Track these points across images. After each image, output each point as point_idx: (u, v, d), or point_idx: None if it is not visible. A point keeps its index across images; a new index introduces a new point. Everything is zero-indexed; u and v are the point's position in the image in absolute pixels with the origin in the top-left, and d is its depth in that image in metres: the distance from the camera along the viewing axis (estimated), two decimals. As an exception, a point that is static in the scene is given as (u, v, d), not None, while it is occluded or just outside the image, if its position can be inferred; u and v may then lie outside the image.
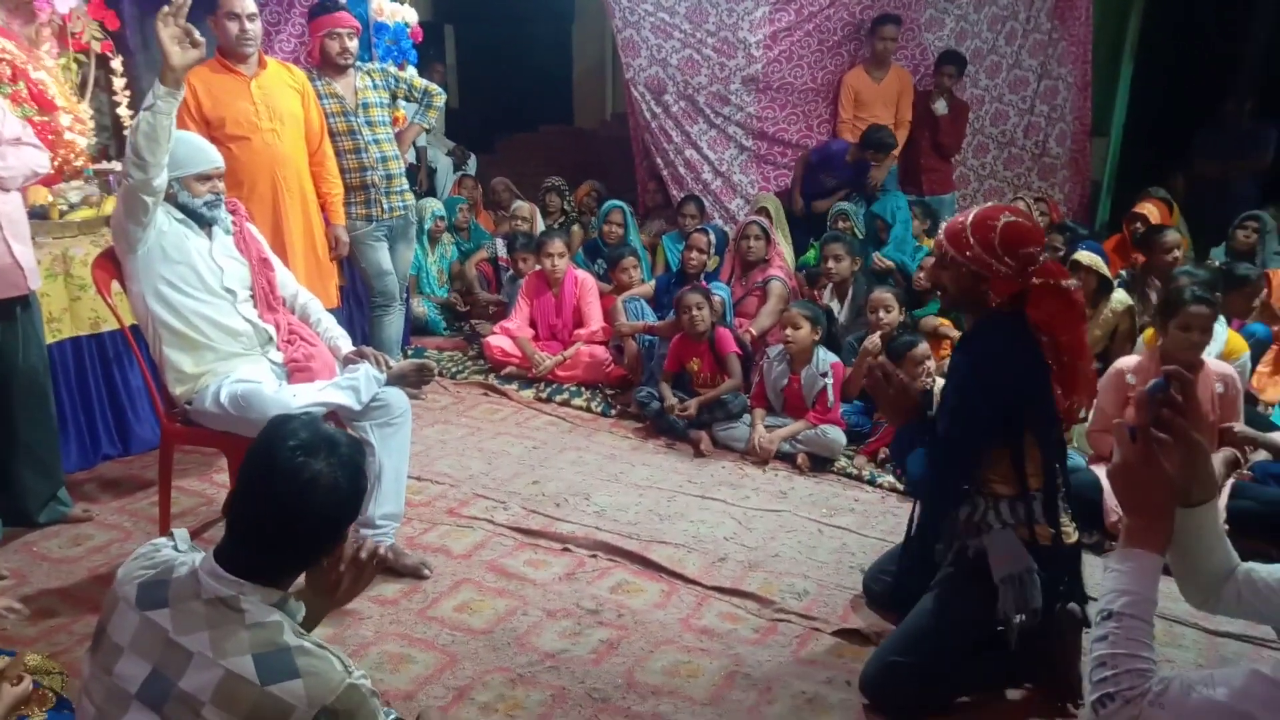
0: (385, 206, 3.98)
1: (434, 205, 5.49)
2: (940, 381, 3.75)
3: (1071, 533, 2.13)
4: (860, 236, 5.01)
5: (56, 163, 3.76)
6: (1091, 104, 6.23)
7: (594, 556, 2.85)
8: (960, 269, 2.01)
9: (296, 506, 1.32)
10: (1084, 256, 4.04)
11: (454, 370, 4.59)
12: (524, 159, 7.99)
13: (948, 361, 3.80)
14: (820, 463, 3.62)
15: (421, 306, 5.07)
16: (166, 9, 2.25)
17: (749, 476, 3.55)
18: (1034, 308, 2.00)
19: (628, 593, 2.65)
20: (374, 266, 4.03)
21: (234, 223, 2.69)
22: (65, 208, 3.43)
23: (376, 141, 3.92)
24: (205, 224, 2.57)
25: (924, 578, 2.21)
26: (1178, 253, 4.34)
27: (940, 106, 5.51)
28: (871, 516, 3.22)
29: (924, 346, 3.56)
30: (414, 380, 2.77)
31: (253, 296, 2.65)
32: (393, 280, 4.09)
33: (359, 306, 4.30)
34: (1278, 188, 5.81)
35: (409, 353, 4.64)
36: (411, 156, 5.42)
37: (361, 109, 3.86)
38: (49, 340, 3.02)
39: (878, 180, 5.56)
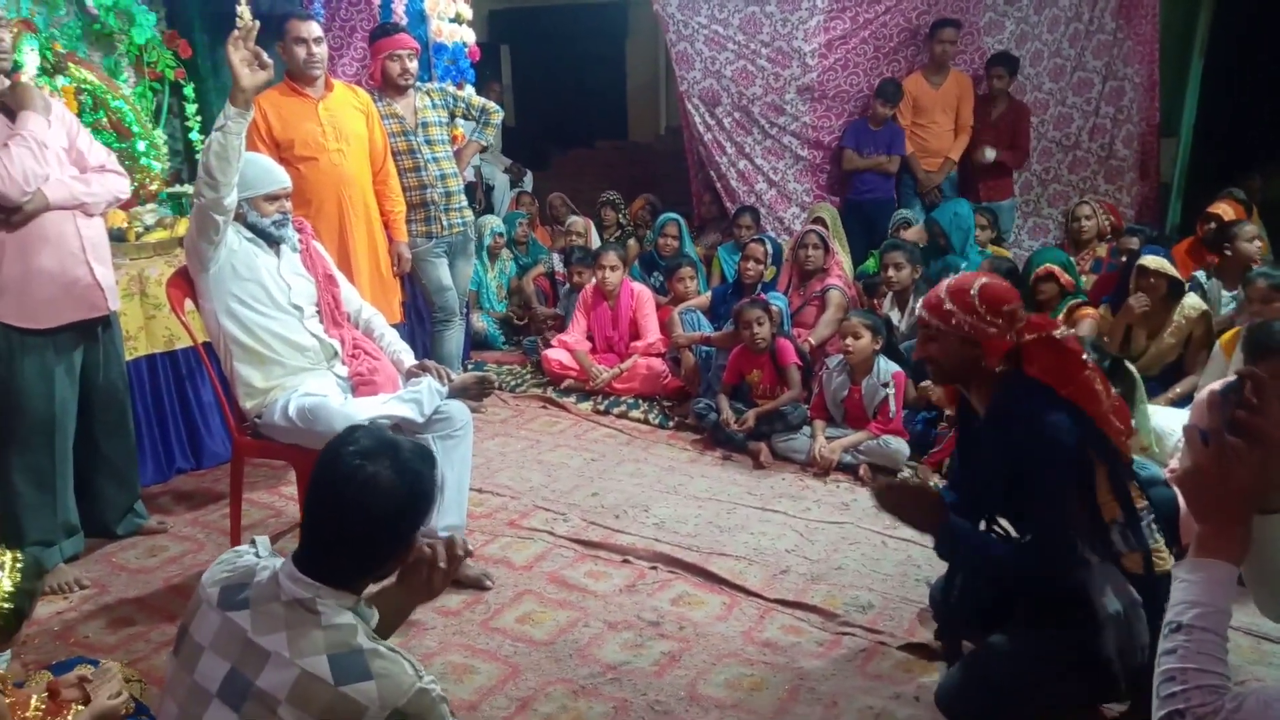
0: (445, 223, 4.05)
1: (493, 222, 5.57)
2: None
3: (1166, 558, 1.99)
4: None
5: (133, 187, 3.93)
6: (1160, 104, 6.04)
7: (654, 568, 2.83)
8: (949, 339, 1.96)
9: (356, 508, 1.34)
10: (1150, 261, 3.90)
11: (513, 383, 4.64)
12: (579, 174, 8.06)
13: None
14: (883, 473, 3.55)
15: (481, 321, 5.14)
16: (236, 33, 2.32)
17: (810, 488, 3.50)
18: (1030, 364, 1.93)
19: (689, 605, 2.63)
20: (434, 282, 4.10)
21: (300, 240, 2.76)
22: (141, 230, 3.56)
23: (436, 160, 3.99)
24: (273, 242, 2.64)
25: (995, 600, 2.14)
26: (1259, 243, 4.16)
27: (988, 155, 5.42)
28: (937, 529, 3.15)
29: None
30: (475, 393, 2.81)
31: (319, 312, 2.72)
32: (453, 296, 4.15)
33: (420, 322, 4.37)
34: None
35: (469, 366, 4.70)
36: (470, 174, 5.52)
37: (421, 128, 3.94)
38: (126, 358, 3.13)
39: (933, 183, 5.50)
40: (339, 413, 2.44)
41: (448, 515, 2.63)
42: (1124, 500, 1.95)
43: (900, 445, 3.56)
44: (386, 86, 3.89)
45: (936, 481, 3.47)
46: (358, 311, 2.86)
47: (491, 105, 4.23)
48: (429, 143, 3.96)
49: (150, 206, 3.89)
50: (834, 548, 2.99)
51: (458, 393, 2.74)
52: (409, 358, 2.84)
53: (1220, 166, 6.17)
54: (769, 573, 2.81)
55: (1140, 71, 5.92)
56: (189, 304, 2.67)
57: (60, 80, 3.86)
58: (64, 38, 3.97)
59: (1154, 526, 2.00)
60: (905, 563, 2.90)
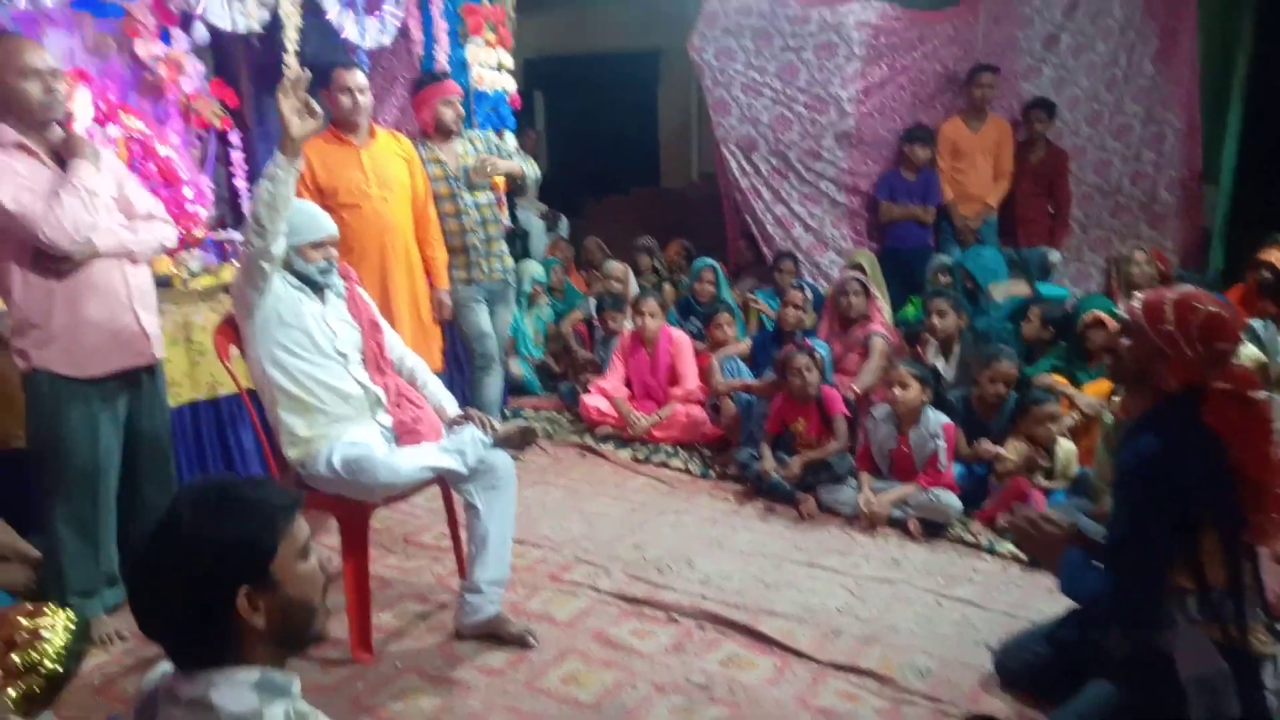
0: (486, 269, 4.03)
1: (534, 269, 5.57)
2: (1065, 444, 3.57)
3: (1266, 642, 1.90)
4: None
5: (180, 234, 3.96)
6: (1201, 149, 5.97)
7: (701, 627, 2.74)
8: (1146, 342, 1.90)
9: (151, 579, 1.18)
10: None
11: (551, 430, 4.58)
12: (614, 220, 8.08)
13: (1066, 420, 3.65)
14: (933, 529, 3.45)
15: (518, 367, 5.11)
16: (287, 82, 2.33)
17: (858, 543, 3.40)
18: (1212, 413, 1.85)
19: (739, 667, 2.53)
20: (474, 328, 4.08)
21: (346, 287, 2.75)
22: (186, 276, 3.57)
23: (477, 205, 3.99)
24: (319, 289, 2.63)
25: (1079, 662, 2.04)
26: None
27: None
28: (994, 588, 3.03)
29: (1054, 406, 3.39)
30: (518, 442, 2.76)
31: (363, 359, 2.69)
32: (492, 342, 4.13)
33: (459, 368, 4.35)
34: None
35: (507, 414, 4.66)
36: (508, 220, 5.53)
37: (463, 174, 3.95)
38: (170, 404, 3.12)
39: (971, 229, 5.45)
40: (383, 464, 2.40)
41: (490, 569, 2.58)
42: (1232, 570, 1.86)
43: (951, 499, 3.45)
44: (436, 132, 3.91)
45: (990, 539, 3.36)
46: (401, 358, 2.84)
47: (531, 165, 4.21)
48: (471, 188, 3.97)
49: (195, 253, 3.92)
50: (886, 607, 2.88)
51: (501, 442, 2.69)
52: (452, 407, 2.80)
53: (1262, 211, 6.06)
54: (820, 633, 2.71)
55: (1180, 117, 5.86)
56: (234, 351, 2.65)
57: (111, 129, 3.93)
58: (115, 87, 4.04)
59: (1257, 610, 1.90)
60: (962, 623, 2.79)
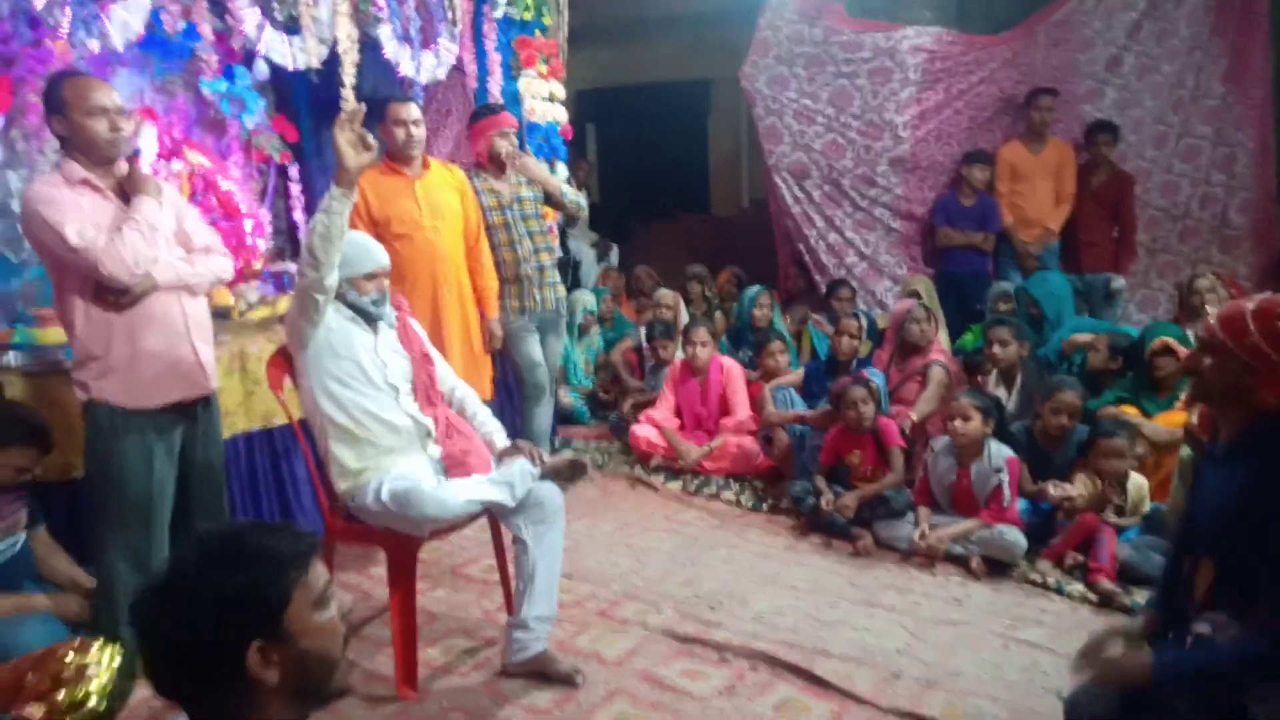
0: (538, 299, 4.03)
1: (587, 299, 5.57)
2: (1137, 478, 3.41)
3: None
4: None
5: (239, 266, 4.04)
6: (1275, 170, 5.74)
7: (754, 668, 2.65)
8: (1230, 358, 1.77)
9: (154, 620, 1.13)
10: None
11: (600, 461, 4.54)
12: (663, 248, 8.09)
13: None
14: (997, 567, 3.31)
15: (568, 397, 5.09)
16: (344, 115, 2.35)
17: (917, 580, 3.27)
18: None
19: (794, 712, 2.44)
20: (526, 358, 4.06)
21: (397, 318, 2.75)
22: (244, 307, 3.63)
23: (530, 235, 3.99)
24: (371, 320, 2.63)
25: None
26: None
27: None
28: (1064, 630, 2.88)
29: (1125, 439, 3.24)
30: (567, 475, 2.71)
31: (414, 390, 2.68)
32: (544, 372, 4.11)
33: (510, 398, 4.34)
34: None
35: (557, 444, 4.63)
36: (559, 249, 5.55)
37: (516, 203, 3.96)
38: (226, 435, 3.15)
39: (1032, 254, 5.31)
40: (431, 497, 2.37)
41: (538, 605, 2.53)
42: None
43: (1016, 536, 3.31)
44: (490, 164, 3.93)
45: (1059, 579, 3.21)
46: (451, 390, 2.82)
47: (580, 200, 4.21)
48: (524, 218, 3.97)
49: (253, 284, 3.99)
50: (949, 649, 2.76)
51: (550, 475, 2.66)
52: (501, 438, 2.78)
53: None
54: (879, 676, 2.60)
55: (1253, 136, 5.65)
56: (287, 382, 2.67)
57: (176, 164, 4.04)
58: (180, 123, 4.17)
59: None
60: (1030, 669, 2.65)
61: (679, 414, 4.54)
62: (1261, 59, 5.51)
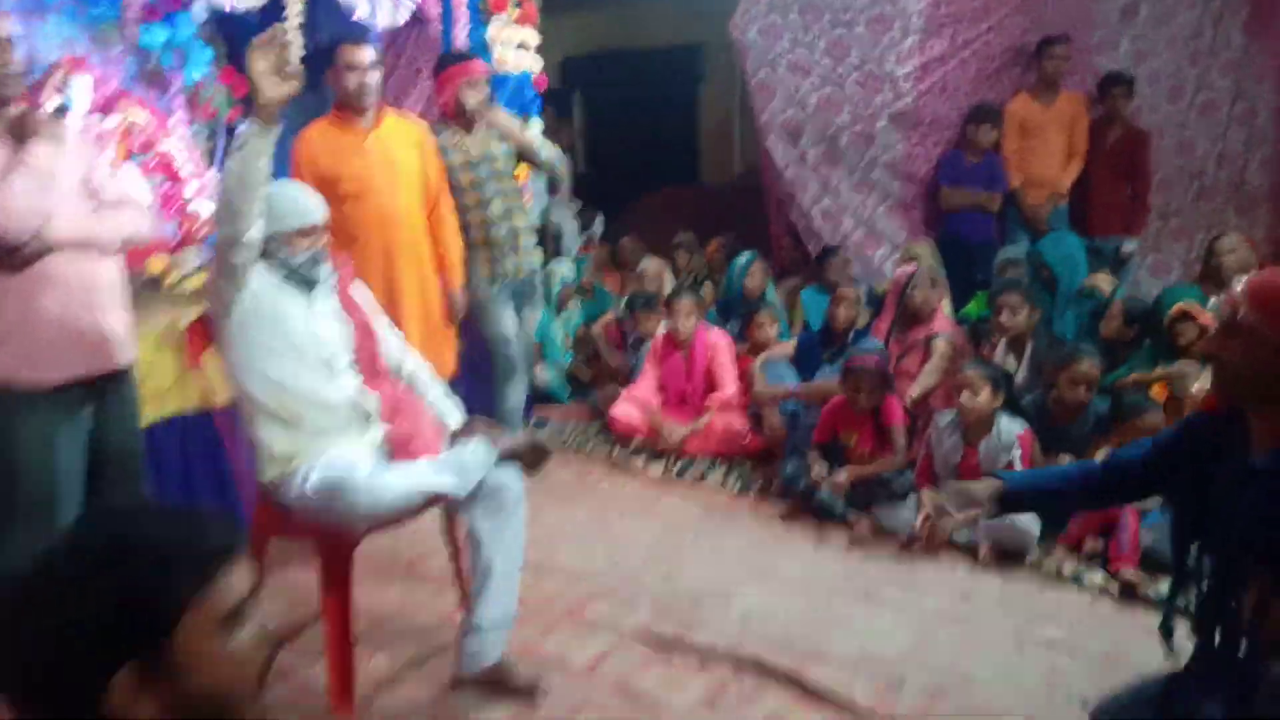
0: (511, 266, 3.70)
1: (564, 269, 5.24)
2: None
3: None
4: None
5: (181, 231, 3.71)
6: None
7: (739, 676, 2.36)
8: (1263, 343, 1.44)
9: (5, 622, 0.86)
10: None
11: (578, 442, 4.23)
12: (653, 219, 7.74)
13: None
14: (1008, 556, 3.02)
15: (545, 373, 4.77)
16: (261, 38, 2.01)
17: (920, 572, 2.99)
18: None
19: (784, 727, 2.15)
20: (496, 331, 3.74)
21: (338, 282, 2.43)
22: (177, 278, 3.30)
23: (502, 195, 3.66)
24: (305, 284, 2.31)
25: None
26: None
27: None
28: (1083, 628, 2.61)
29: (1156, 414, 2.95)
30: (530, 459, 2.40)
31: (355, 364, 2.36)
32: (517, 346, 3.80)
33: (477, 375, 4.02)
34: None
35: (531, 423, 4.32)
36: (536, 217, 5.21)
37: (486, 161, 3.62)
38: (156, 417, 2.84)
39: (1042, 216, 4.99)
40: (363, 488, 2.06)
41: (493, 607, 2.24)
42: None
43: (1029, 521, 3.02)
44: (458, 117, 3.58)
45: (1077, 569, 2.93)
46: (400, 363, 2.51)
47: (550, 152, 3.86)
48: (495, 176, 3.63)
49: (194, 250, 3.66)
50: (958, 652, 2.47)
51: (509, 457, 2.35)
52: (455, 417, 2.47)
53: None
54: (880, 684, 2.31)
55: (1275, 90, 5.31)
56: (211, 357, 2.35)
57: (110, 121, 3.69)
58: (118, 76, 3.81)
59: None
60: (1050, 673, 2.37)
61: (662, 391, 4.23)
62: (1283, 8, 5.15)
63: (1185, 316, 3.72)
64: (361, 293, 2.51)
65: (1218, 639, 1.55)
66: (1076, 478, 1.80)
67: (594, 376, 4.87)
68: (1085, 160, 5.05)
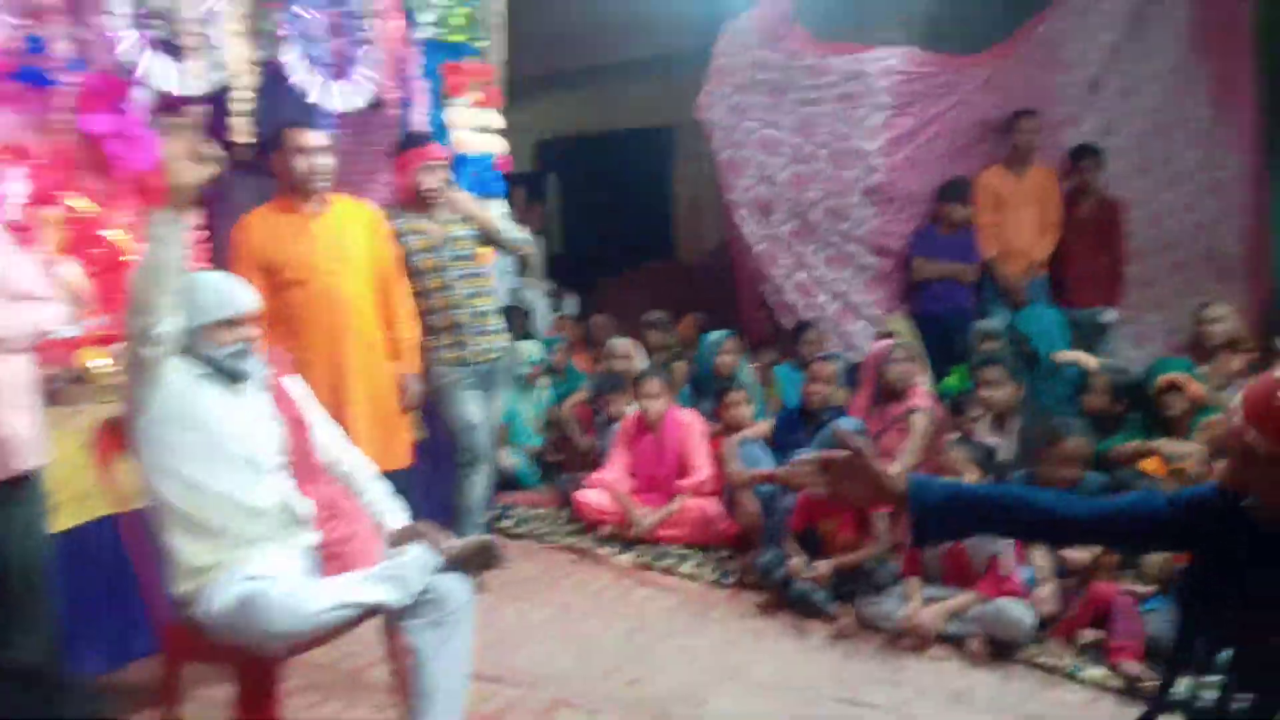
0: (477, 349, 3.55)
1: (532, 349, 5.10)
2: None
3: None
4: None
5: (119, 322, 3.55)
6: (1269, 195, 5.40)
7: (711, 799, 2.13)
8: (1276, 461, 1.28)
9: None
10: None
11: (542, 531, 4.01)
12: (627, 297, 7.65)
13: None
14: (1000, 649, 2.81)
15: (512, 457, 4.58)
16: (173, 120, 1.88)
17: (908, 669, 2.77)
18: None
19: None
20: (460, 418, 3.56)
21: (272, 376, 2.26)
22: (113, 371, 3.13)
23: (466, 278, 3.54)
24: (232, 378, 2.14)
25: None
26: None
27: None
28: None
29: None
30: (478, 563, 2.21)
31: (288, 464, 2.18)
32: (482, 434, 3.60)
33: (437, 466, 3.82)
34: None
35: (498, 511, 4.11)
36: (505, 297, 5.10)
37: (449, 243, 3.52)
38: (78, 520, 2.64)
39: (1017, 287, 4.92)
40: (281, 605, 1.86)
41: (436, 727, 2.00)
42: None
43: (1021, 611, 2.82)
44: (417, 201, 3.50)
45: (1074, 662, 2.72)
46: (337, 460, 2.32)
47: (516, 233, 3.76)
48: (458, 259, 3.52)
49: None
50: (951, 763, 2.25)
51: (455, 564, 2.15)
52: (395, 519, 2.27)
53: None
54: (867, 807, 2.08)
55: (1243, 160, 5.33)
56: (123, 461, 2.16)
57: (51, 212, 3.56)
58: (64, 164, 3.70)
59: None
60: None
61: (633, 475, 4.04)
62: (1246, 79, 5.20)
63: (1173, 388, 3.62)
64: (297, 387, 2.34)
65: None
66: (1052, 503, 1.51)
67: (563, 460, 4.68)
68: (1059, 232, 5.01)
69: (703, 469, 3.88)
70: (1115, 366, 4.22)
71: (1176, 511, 1.46)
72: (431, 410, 3.56)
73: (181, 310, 2.06)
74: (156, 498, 2.04)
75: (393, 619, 2.09)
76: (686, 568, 3.57)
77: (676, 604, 3.29)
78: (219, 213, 3.98)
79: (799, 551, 3.22)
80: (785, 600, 3.18)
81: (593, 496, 3.94)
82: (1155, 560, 2.91)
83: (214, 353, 2.12)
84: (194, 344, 2.11)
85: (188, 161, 1.88)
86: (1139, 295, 5.37)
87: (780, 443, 4.00)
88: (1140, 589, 2.88)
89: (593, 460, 4.38)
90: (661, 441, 3.98)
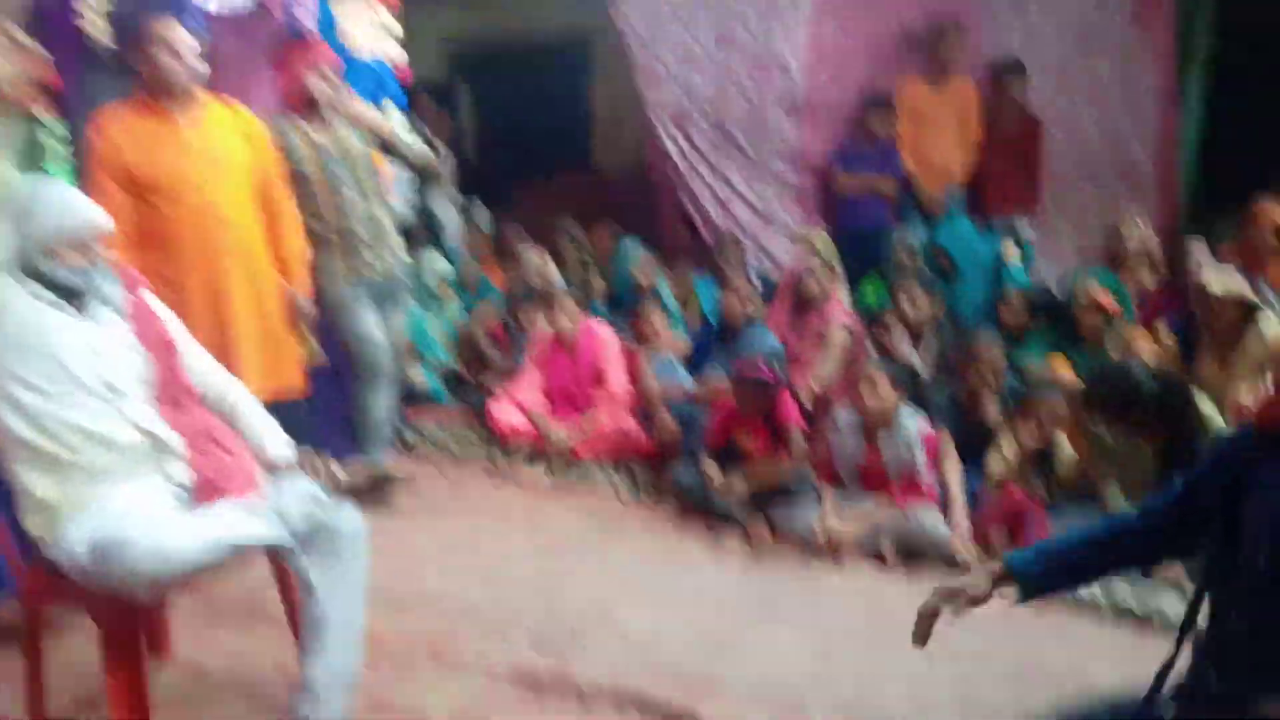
0: (373, 263, 3.35)
1: (439, 263, 4.87)
2: (1065, 444, 2.98)
3: None
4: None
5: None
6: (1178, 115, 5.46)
7: (624, 716, 2.08)
8: None
9: None
10: (1216, 281, 3.24)
11: (455, 449, 3.88)
12: (542, 209, 7.41)
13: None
14: (915, 556, 2.83)
15: (421, 375, 4.39)
16: None
17: (824, 579, 2.78)
18: None
19: (672, 780, 1.89)
20: (359, 335, 3.37)
21: (130, 298, 2.03)
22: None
23: (360, 188, 3.31)
24: (77, 300, 1.92)
25: None
26: None
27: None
28: (995, 632, 2.40)
29: (1058, 400, 2.81)
30: (368, 492, 2.08)
31: (151, 392, 1.98)
32: (382, 351, 3.42)
33: (340, 387, 3.62)
34: None
35: (406, 431, 3.96)
36: (405, 211, 4.82)
37: (340, 152, 3.26)
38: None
39: (936, 200, 4.89)
40: (146, 546, 1.69)
41: (331, 665, 1.90)
42: None
43: (934, 518, 2.84)
44: (304, 106, 3.21)
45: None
46: (209, 386, 2.12)
47: (413, 142, 3.54)
48: (351, 168, 3.28)
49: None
50: (866, 672, 2.26)
51: (346, 493, 2.01)
52: (279, 447, 2.10)
53: (1228, 183, 5.57)
54: (782, 717, 2.07)
55: (1159, 79, 5.35)
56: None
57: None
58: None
59: None
60: (963, 688, 2.18)
61: (548, 391, 3.91)
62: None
63: (1093, 304, 3.63)
64: (161, 310, 2.12)
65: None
66: (1104, 537, 1.55)
67: (476, 376, 4.52)
68: (979, 146, 4.96)
69: (618, 384, 3.78)
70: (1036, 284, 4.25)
71: (1192, 483, 1.45)
72: (327, 329, 3.36)
73: (17, 226, 1.83)
74: (2, 430, 1.83)
75: (281, 555, 1.95)
76: (602, 484, 3.50)
77: (591, 521, 3.22)
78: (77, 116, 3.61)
79: (716, 466, 3.17)
80: (702, 514, 3.14)
81: (506, 412, 3.82)
82: (1067, 464, 2.95)
83: (55, 272, 1.89)
84: (33, 263, 1.88)
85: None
86: (1054, 207, 5.42)
87: (698, 358, 3.92)
88: (1049, 495, 2.93)
89: (506, 376, 4.23)
90: (576, 356, 3.85)
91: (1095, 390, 2.84)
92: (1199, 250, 3.96)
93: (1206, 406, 2.87)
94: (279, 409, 2.29)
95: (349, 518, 1.95)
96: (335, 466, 2.07)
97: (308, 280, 3.15)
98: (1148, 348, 3.36)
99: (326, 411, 3.47)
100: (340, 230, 3.28)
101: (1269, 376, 3.16)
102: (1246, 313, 3.20)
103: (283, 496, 1.90)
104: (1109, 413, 2.78)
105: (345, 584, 1.92)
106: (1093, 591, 2.56)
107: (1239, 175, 5.26)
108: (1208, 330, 3.28)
